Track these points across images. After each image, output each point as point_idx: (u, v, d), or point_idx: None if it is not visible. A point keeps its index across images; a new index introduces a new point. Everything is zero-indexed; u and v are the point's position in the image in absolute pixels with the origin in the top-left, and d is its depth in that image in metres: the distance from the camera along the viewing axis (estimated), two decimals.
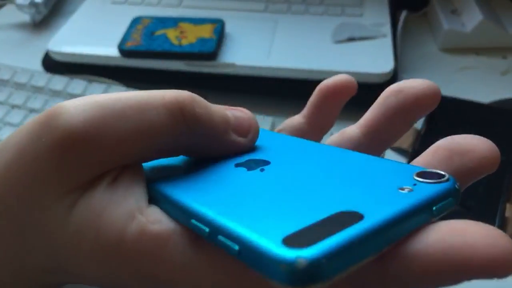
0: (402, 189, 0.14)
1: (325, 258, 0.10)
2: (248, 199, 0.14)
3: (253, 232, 0.12)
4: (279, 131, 0.23)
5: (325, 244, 0.10)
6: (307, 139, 0.19)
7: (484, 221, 0.39)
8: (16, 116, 0.44)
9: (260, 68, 0.46)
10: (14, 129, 0.43)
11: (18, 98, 0.46)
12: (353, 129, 0.19)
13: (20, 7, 0.58)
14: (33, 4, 0.58)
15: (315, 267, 0.10)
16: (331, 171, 0.15)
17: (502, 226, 0.35)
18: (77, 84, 0.46)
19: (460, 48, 0.53)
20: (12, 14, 0.60)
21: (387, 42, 0.48)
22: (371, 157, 0.16)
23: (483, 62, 0.52)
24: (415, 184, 0.14)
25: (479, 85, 0.49)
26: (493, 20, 0.52)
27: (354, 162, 0.16)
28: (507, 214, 0.36)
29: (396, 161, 0.16)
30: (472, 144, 0.16)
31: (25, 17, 0.59)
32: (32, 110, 0.45)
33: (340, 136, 0.19)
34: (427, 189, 0.14)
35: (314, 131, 0.22)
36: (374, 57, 0.47)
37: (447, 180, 0.14)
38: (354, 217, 0.12)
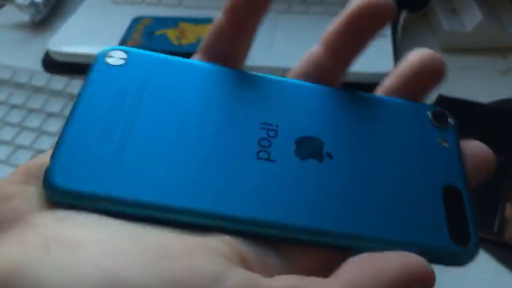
0: (443, 143, 0.16)
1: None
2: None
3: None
4: (300, 73, 0.18)
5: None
6: (331, 79, 0.17)
7: (483, 221, 0.39)
8: (15, 116, 0.44)
9: (260, 68, 0.46)
10: (13, 129, 0.43)
11: (18, 98, 0.46)
12: (317, 50, 0.18)
13: (20, 7, 0.58)
14: (33, 4, 0.58)
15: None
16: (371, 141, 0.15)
17: (502, 227, 0.35)
18: (77, 84, 0.46)
19: (460, 48, 0.54)
20: (12, 14, 0.60)
21: (387, 42, 0.48)
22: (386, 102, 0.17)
23: (483, 62, 0.52)
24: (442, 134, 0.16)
25: (479, 85, 0.49)
26: (493, 20, 0.52)
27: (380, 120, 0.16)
28: (507, 214, 0.36)
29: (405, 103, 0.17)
30: (469, 149, 0.16)
31: (25, 17, 0.59)
32: (32, 110, 0.45)
33: (306, 63, 0.18)
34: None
35: (339, 67, 0.18)
36: (374, 57, 0.46)
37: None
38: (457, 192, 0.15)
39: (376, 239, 0.13)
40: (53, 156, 0.13)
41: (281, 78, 0.17)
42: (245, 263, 0.12)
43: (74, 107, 0.14)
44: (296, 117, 0.15)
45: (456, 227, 0.14)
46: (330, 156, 0.14)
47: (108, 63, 0.15)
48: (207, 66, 0.16)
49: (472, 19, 0.52)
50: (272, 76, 0.17)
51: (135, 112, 0.14)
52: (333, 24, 0.17)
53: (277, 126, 0.15)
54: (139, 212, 0.12)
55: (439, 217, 0.14)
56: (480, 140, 0.48)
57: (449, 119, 0.17)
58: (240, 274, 0.11)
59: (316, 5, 0.55)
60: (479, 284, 0.34)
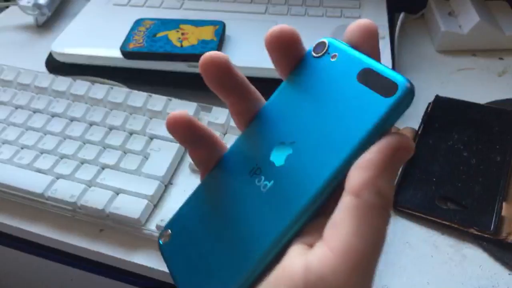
0: (333, 58, 0.19)
1: None
2: None
3: None
4: None
5: None
6: None
7: (480, 220, 0.39)
8: (20, 117, 0.44)
9: (261, 69, 0.47)
10: (17, 130, 0.43)
11: (22, 98, 0.46)
12: None
13: (23, 8, 0.58)
14: (36, 6, 0.58)
15: None
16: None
17: (499, 225, 0.36)
18: (80, 85, 0.46)
19: (457, 49, 0.54)
20: (16, 16, 0.61)
21: (385, 43, 0.49)
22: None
23: (480, 63, 0.53)
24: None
25: (476, 86, 0.50)
26: (490, 22, 0.53)
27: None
28: (503, 213, 0.37)
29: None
30: (353, 25, 0.19)
31: (29, 19, 0.60)
32: (35, 111, 0.45)
33: None
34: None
35: None
36: None
37: None
38: None
39: (354, 148, 0.17)
40: None
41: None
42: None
43: (173, 277, 0.20)
44: (259, 146, 0.20)
45: (383, 87, 0.16)
46: (293, 142, 0.18)
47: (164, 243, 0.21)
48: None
49: (469, 20, 0.53)
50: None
51: (197, 246, 0.20)
52: None
53: (257, 165, 0.19)
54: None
55: (369, 94, 0.17)
56: (478, 140, 0.48)
57: (322, 41, 0.19)
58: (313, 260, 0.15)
59: (315, 8, 0.55)
60: (476, 282, 0.34)
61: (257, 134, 0.20)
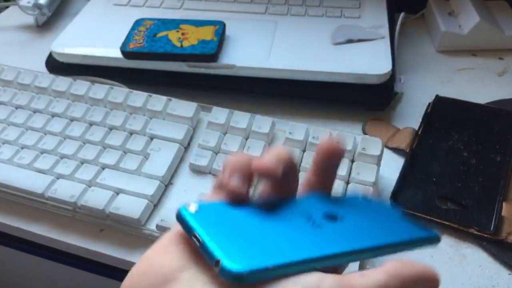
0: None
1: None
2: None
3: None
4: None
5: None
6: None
7: (480, 220, 0.39)
8: (20, 117, 0.44)
9: (260, 69, 0.47)
10: (18, 130, 0.43)
11: (22, 98, 0.46)
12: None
13: (24, 8, 0.58)
14: (36, 6, 0.58)
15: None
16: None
17: (498, 225, 0.36)
18: (80, 85, 0.46)
19: (457, 49, 0.54)
20: (16, 16, 0.61)
21: (385, 43, 0.49)
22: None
23: (480, 63, 0.53)
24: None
25: (476, 86, 0.50)
26: (490, 22, 0.53)
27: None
28: (503, 213, 0.37)
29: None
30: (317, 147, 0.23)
31: (29, 19, 0.60)
32: (35, 111, 0.45)
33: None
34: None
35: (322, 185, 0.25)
36: (373, 59, 0.47)
37: None
38: None
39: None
40: (217, 256, 0.18)
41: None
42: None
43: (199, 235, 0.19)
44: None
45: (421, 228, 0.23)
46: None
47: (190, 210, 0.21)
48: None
49: (469, 20, 0.53)
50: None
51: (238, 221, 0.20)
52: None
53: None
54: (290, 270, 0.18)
55: (414, 229, 0.23)
56: (478, 140, 0.48)
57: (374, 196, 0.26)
58: (330, 278, 0.17)
59: (315, 8, 0.55)
60: (476, 281, 0.34)
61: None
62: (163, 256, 0.19)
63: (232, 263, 0.17)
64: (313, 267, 0.18)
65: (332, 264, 0.19)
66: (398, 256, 0.20)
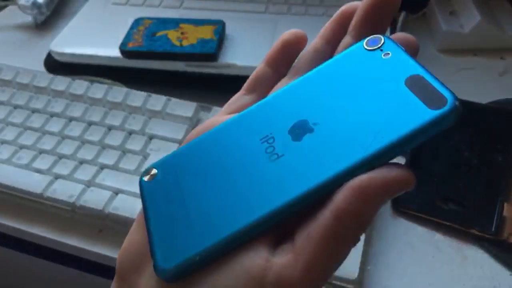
0: (386, 55, 0.18)
1: None
2: None
3: None
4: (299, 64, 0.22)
5: None
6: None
7: (482, 220, 0.39)
8: (18, 116, 0.44)
9: None
10: (16, 129, 0.43)
11: (20, 98, 0.46)
12: (317, 42, 0.21)
13: (22, 8, 0.58)
14: (35, 5, 0.58)
15: None
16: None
17: (500, 225, 0.36)
18: (79, 84, 0.46)
19: (458, 49, 0.54)
20: (15, 15, 0.61)
21: None
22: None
23: (481, 63, 0.53)
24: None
25: (477, 85, 0.50)
26: (491, 21, 0.53)
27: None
28: (504, 213, 0.36)
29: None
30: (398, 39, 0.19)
31: (28, 18, 0.60)
32: (34, 111, 0.45)
33: (312, 52, 0.21)
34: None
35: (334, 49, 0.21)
36: None
37: None
38: None
39: (380, 148, 0.16)
40: (153, 252, 0.17)
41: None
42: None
43: (147, 218, 0.18)
44: (279, 115, 0.18)
45: (430, 98, 0.16)
46: (316, 124, 0.17)
47: (146, 181, 0.19)
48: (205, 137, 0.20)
49: (470, 20, 0.53)
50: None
51: (181, 195, 0.18)
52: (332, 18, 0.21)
53: (271, 134, 0.18)
54: (223, 248, 0.16)
55: (413, 102, 0.16)
56: (480, 140, 0.48)
57: (378, 36, 0.19)
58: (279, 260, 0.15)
59: (315, 6, 0.55)
60: (478, 282, 0.34)
61: (283, 102, 0.19)
62: (143, 231, 0.18)
63: (161, 260, 0.16)
64: (263, 229, 0.16)
65: (295, 214, 0.16)
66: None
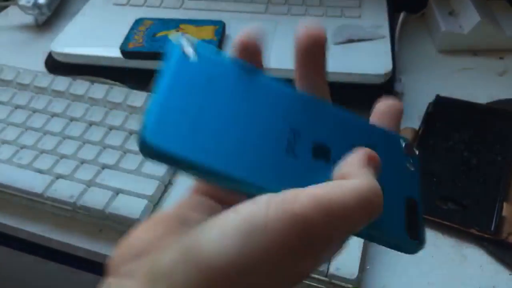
0: (410, 167, 0.23)
1: None
2: None
3: None
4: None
5: None
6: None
7: (481, 220, 0.39)
8: (19, 117, 0.44)
9: None
10: (17, 129, 0.43)
11: (21, 98, 0.46)
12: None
13: (23, 8, 0.58)
14: (36, 6, 0.58)
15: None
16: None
17: (499, 225, 0.36)
18: (80, 84, 0.46)
19: (458, 49, 0.54)
20: (16, 16, 0.61)
21: (386, 43, 0.49)
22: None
23: (481, 63, 0.53)
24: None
25: (477, 85, 0.50)
26: (491, 22, 0.53)
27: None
28: (504, 213, 0.36)
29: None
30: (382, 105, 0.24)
31: (29, 19, 0.60)
32: (35, 111, 0.45)
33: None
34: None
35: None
36: (373, 58, 0.47)
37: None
38: None
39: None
40: (149, 118, 0.15)
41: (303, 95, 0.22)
42: None
43: (162, 84, 0.17)
44: (314, 127, 0.20)
45: (411, 226, 0.20)
46: (334, 158, 0.19)
47: (185, 56, 0.18)
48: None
49: (470, 20, 0.53)
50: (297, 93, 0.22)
51: (203, 97, 0.17)
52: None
53: (302, 132, 0.19)
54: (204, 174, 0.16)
55: (401, 217, 0.19)
56: (479, 140, 0.48)
57: (415, 150, 0.23)
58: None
59: (315, 7, 0.55)
60: (477, 282, 0.34)
61: (329, 118, 0.21)
62: (140, 231, 0.19)
63: (151, 131, 0.15)
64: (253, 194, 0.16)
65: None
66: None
